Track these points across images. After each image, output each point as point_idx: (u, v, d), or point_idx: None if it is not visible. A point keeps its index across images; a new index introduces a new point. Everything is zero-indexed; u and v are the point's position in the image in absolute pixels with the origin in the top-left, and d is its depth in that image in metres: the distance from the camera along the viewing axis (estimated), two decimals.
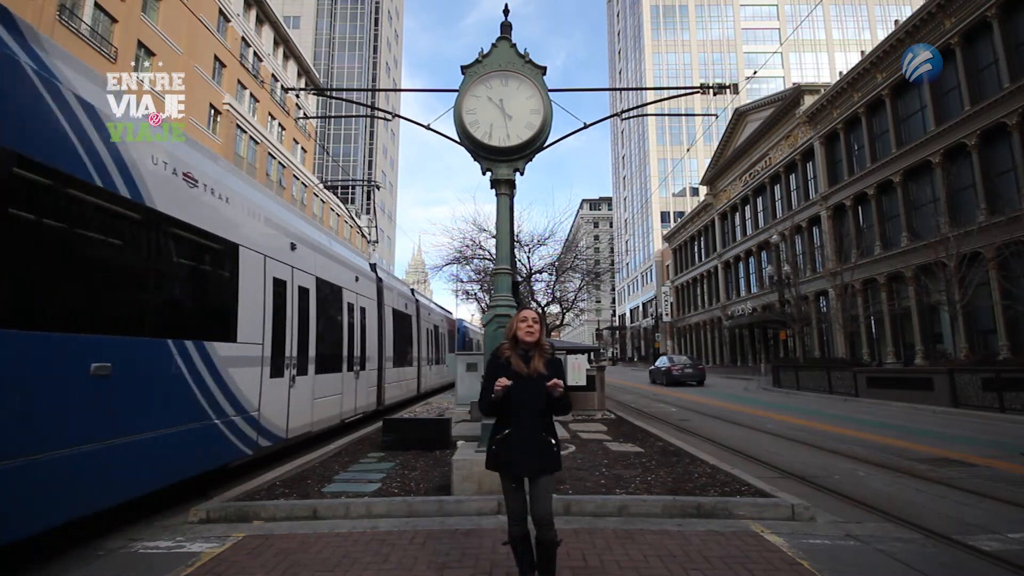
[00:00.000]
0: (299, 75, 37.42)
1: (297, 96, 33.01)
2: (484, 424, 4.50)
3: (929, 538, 3.79)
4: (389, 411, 11.32)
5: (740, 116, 37.14)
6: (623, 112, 7.14)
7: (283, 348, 6.41)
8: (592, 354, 13.03)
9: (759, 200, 35.70)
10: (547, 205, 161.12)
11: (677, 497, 4.48)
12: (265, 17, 32.56)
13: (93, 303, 3.83)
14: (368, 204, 57.95)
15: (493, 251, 13.28)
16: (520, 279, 15.72)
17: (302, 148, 38.33)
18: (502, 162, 5.28)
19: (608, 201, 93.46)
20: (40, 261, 3.40)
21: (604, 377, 11.87)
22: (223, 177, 5.59)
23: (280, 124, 34.57)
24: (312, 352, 7.29)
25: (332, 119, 50.87)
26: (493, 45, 5.41)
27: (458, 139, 5.45)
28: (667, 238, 54.86)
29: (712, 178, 42.58)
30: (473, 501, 4.37)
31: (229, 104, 26.83)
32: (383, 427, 7.34)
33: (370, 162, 60.96)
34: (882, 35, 44.68)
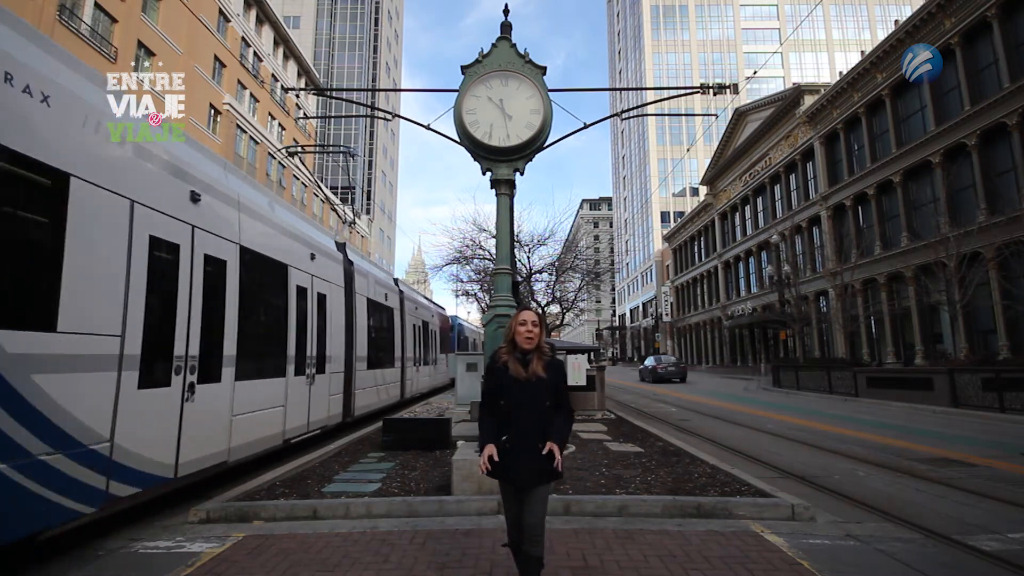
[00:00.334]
0: (299, 75, 37.42)
1: (297, 96, 33.04)
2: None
3: (929, 538, 3.79)
4: (363, 422, 9.71)
5: (740, 116, 37.14)
6: (623, 112, 7.15)
7: (169, 344, 4.49)
8: (592, 354, 13.04)
9: (759, 200, 35.70)
10: (547, 205, 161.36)
11: (677, 497, 4.48)
12: (265, 17, 32.56)
13: None
14: (368, 204, 57.97)
15: (493, 251, 13.28)
16: (520, 279, 15.71)
17: (302, 148, 38.29)
18: (502, 162, 5.29)
19: (608, 201, 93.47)
20: None
21: (604, 377, 11.87)
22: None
23: (280, 124, 34.57)
24: (230, 350, 5.34)
25: (332, 119, 50.86)
26: (493, 45, 5.42)
27: (458, 139, 5.45)
28: (667, 238, 54.86)
29: (712, 178, 42.58)
30: (473, 501, 4.37)
31: (229, 104, 26.83)
32: (383, 427, 7.35)
33: (370, 162, 60.94)
34: (882, 35, 44.70)
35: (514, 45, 5.40)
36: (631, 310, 72.07)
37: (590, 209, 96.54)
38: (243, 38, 29.43)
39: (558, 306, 21.45)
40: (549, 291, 20.01)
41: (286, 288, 6.73)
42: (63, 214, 3.49)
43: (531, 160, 5.41)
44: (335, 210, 14.17)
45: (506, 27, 5.49)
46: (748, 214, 37.07)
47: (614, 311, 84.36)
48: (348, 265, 9.43)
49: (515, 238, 11.43)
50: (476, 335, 30.86)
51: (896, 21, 24.22)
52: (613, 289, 79.26)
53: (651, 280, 61.07)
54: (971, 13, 18.65)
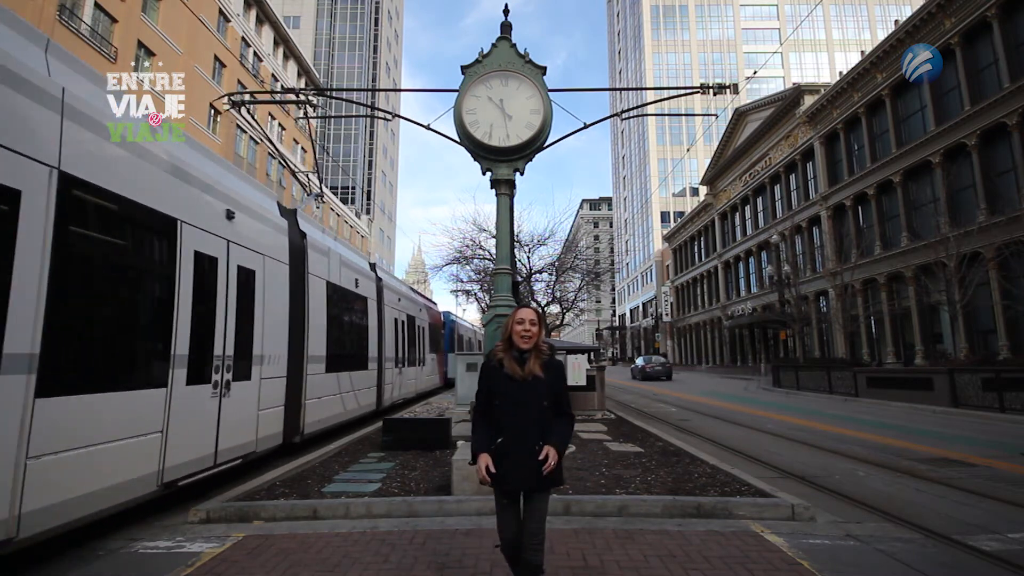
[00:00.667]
0: (299, 75, 37.42)
1: (297, 96, 32.99)
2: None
3: (929, 538, 3.79)
4: (318, 441, 7.75)
5: (740, 116, 37.15)
6: (623, 112, 7.14)
7: None
8: (592, 354, 13.02)
9: (759, 200, 35.71)
10: (547, 205, 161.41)
11: (677, 497, 4.48)
12: (265, 17, 32.56)
13: None
14: (368, 204, 57.98)
15: (493, 251, 13.26)
16: (520, 279, 15.71)
17: (302, 148, 38.33)
18: (502, 162, 5.28)
19: (608, 201, 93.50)
20: None
21: (604, 377, 11.87)
22: None
23: (280, 124, 34.57)
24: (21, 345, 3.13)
25: (332, 119, 50.87)
26: (493, 45, 5.42)
27: (458, 139, 5.45)
28: (667, 238, 54.87)
29: (712, 178, 42.59)
30: (473, 501, 4.37)
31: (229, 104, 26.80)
32: (383, 427, 7.34)
33: (370, 162, 60.97)
34: (882, 35, 44.70)
35: (514, 45, 5.40)
36: (631, 310, 72.08)
37: (590, 209, 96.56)
38: (243, 38, 29.43)
39: (558, 306, 21.47)
40: (549, 291, 20.03)
41: (173, 254, 4.60)
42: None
43: (531, 160, 5.41)
44: (296, 177, 11.74)
45: (506, 27, 5.49)
46: (748, 214, 37.07)
47: (614, 311, 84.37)
48: (298, 237, 7.32)
49: (515, 238, 11.42)
50: (472, 334, 29.02)
51: (896, 21, 24.23)
52: (613, 289, 79.28)
53: (651, 280, 61.08)
54: (971, 13, 18.66)
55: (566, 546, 3.53)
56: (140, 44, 20.43)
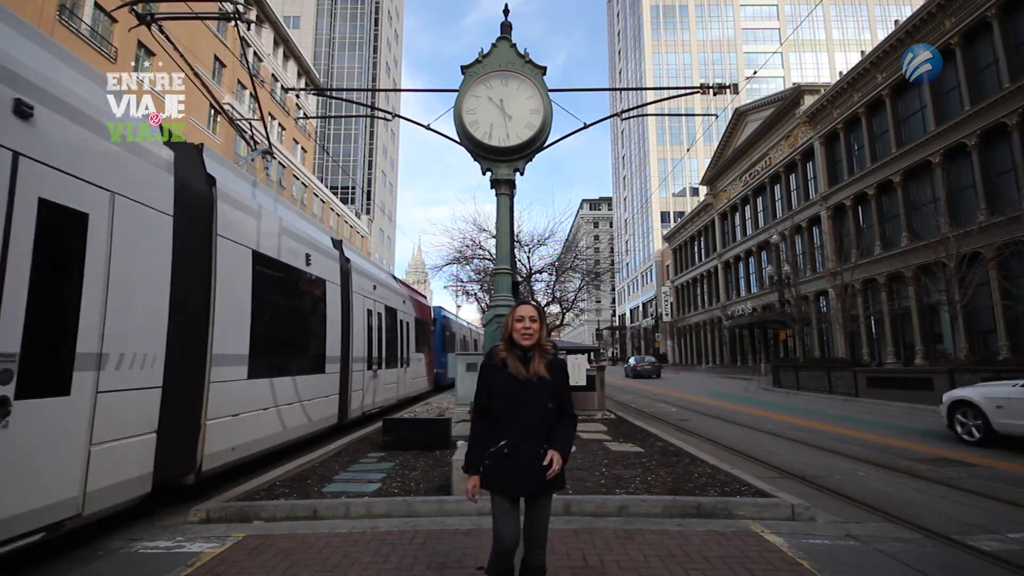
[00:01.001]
0: (299, 75, 37.43)
1: (297, 96, 33.03)
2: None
3: (929, 538, 3.79)
4: (228, 481, 5.61)
5: (740, 116, 37.16)
6: (623, 112, 7.15)
7: None
8: (592, 354, 12.99)
9: (759, 200, 35.72)
10: (547, 205, 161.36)
11: (677, 497, 4.48)
12: (265, 17, 32.57)
13: None
14: (368, 204, 57.98)
15: (493, 251, 13.25)
16: (520, 279, 15.71)
17: (302, 148, 38.35)
18: (502, 162, 5.29)
19: (608, 201, 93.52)
20: None
21: (604, 377, 11.87)
22: None
23: (280, 124, 34.58)
24: None
25: (332, 119, 50.88)
26: (493, 45, 5.42)
27: (458, 139, 5.45)
28: (667, 238, 54.89)
29: (712, 178, 42.60)
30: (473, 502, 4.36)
31: (229, 104, 26.83)
32: (383, 427, 7.32)
33: (370, 162, 60.96)
34: (882, 35, 44.72)
35: (514, 45, 5.41)
36: (631, 310, 72.10)
37: (590, 209, 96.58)
38: (243, 38, 29.41)
39: (558, 306, 21.48)
40: (549, 291, 20.04)
41: None
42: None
43: (531, 160, 5.41)
44: (235, 126, 9.46)
45: (506, 27, 5.49)
46: (748, 214, 37.08)
47: (614, 311, 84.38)
48: (198, 179, 5.11)
49: (515, 238, 11.42)
50: (467, 332, 27.26)
51: (896, 21, 24.24)
52: (613, 289, 79.30)
53: (651, 280, 61.09)
54: (971, 13, 18.67)
55: (566, 546, 3.53)
56: (140, 44, 20.44)
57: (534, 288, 19.42)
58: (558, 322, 24.51)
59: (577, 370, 10.37)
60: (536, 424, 2.30)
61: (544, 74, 5.36)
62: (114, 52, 18.92)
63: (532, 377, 2.32)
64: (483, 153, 5.28)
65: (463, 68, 5.38)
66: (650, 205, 61.33)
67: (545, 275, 19.61)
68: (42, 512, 3.25)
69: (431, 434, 7.04)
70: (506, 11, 5.61)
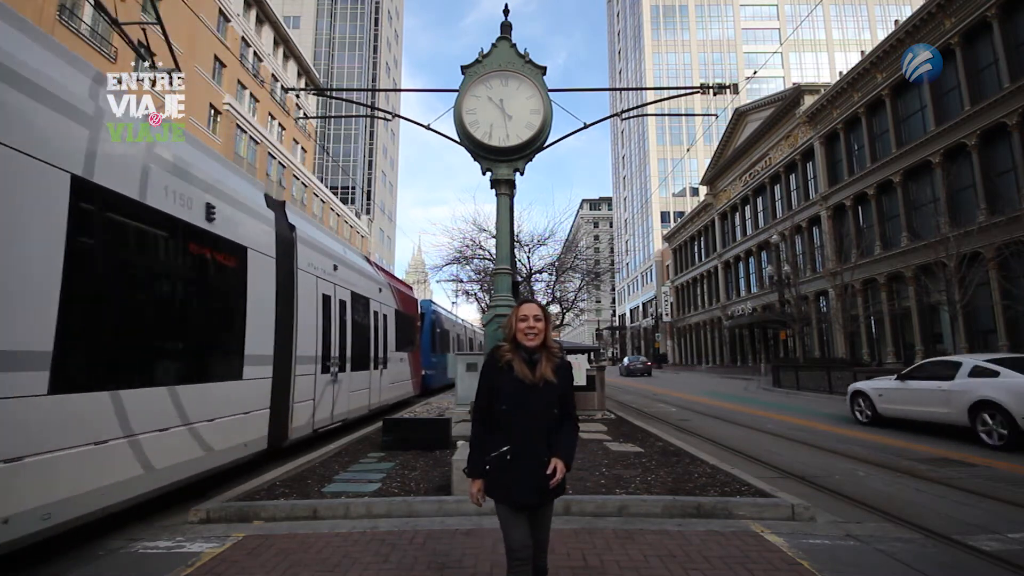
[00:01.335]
0: (299, 75, 37.43)
1: (297, 96, 33.03)
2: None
3: (929, 538, 3.79)
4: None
5: (740, 116, 37.16)
6: (623, 112, 7.14)
7: None
8: (592, 354, 12.97)
9: (759, 200, 35.72)
10: (547, 205, 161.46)
11: (677, 497, 4.48)
12: (265, 17, 32.57)
13: None
14: (368, 204, 57.97)
15: (493, 251, 13.24)
16: (520, 279, 15.70)
17: (302, 148, 38.35)
18: (502, 162, 5.28)
19: (608, 201, 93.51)
20: None
21: (604, 377, 11.87)
22: None
23: (280, 124, 34.58)
24: None
25: (332, 119, 50.87)
26: (493, 45, 5.42)
27: (458, 139, 5.45)
28: (667, 238, 54.89)
29: (712, 178, 42.60)
30: None
31: (229, 104, 26.84)
32: (383, 427, 7.32)
33: (370, 162, 60.97)
34: (882, 35, 44.71)
35: (514, 45, 5.40)
36: (631, 310, 72.10)
37: (590, 209, 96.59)
38: (243, 38, 29.43)
39: (558, 306, 21.48)
40: (549, 291, 20.04)
41: None
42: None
43: (531, 160, 5.41)
44: (130, 48, 7.70)
45: (506, 27, 5.49)
46: (748, 214, 37.08)
47: (614, 311, 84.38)
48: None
49: (515, 238, 11.41)
50: (460, 329, 25.14)
51: (896, 21, 24.24)
52: (613, 289, 79.30)
53: (651, 280, 61.09)
54: (971, 13, 18.66)
55: (566, 546, 3.53)
56: (140, 44, 20.44)
57: (534, 288, 19.42)
58: (558, 322, 24.51)
59: (577, 370, 10.38)
60: (540, 430, 2.21)
61: (544, 74, 5.35)
62: (114, 52, 18.91)
63: (538, 381, 2.21)
64: (483, 153, 5.27)
65: (463, 68, 5.38)
66: (650, 205, 61.33)
67: (545, 275, 19.63)
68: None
69: (431, 434, 7.05)
70: (506, 11, 5.60)
